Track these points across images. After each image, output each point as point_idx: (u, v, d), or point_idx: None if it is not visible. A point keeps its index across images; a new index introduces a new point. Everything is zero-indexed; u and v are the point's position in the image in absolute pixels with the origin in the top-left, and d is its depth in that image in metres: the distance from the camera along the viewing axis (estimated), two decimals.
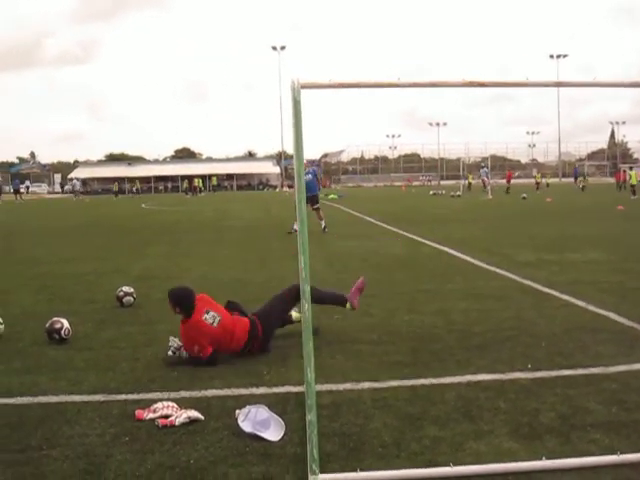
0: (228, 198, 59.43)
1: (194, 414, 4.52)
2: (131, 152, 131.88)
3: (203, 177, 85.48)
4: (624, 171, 56.20)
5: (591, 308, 7.69)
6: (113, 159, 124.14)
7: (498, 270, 10.76)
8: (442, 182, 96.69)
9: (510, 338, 6.46)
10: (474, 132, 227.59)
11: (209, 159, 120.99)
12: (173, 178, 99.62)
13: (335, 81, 3.56)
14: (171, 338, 6.02)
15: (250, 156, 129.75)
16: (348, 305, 6.74)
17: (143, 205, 45.70)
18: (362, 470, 3.67)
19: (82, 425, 4.50)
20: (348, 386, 5.19)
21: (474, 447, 3.99)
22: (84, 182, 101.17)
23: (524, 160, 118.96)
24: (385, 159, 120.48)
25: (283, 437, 4.19)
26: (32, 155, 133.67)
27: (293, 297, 6.33)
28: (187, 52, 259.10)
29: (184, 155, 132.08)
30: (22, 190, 69.77)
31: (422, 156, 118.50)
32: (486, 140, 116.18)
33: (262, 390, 5.15)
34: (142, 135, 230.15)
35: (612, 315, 7.30)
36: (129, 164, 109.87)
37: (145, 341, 6.65)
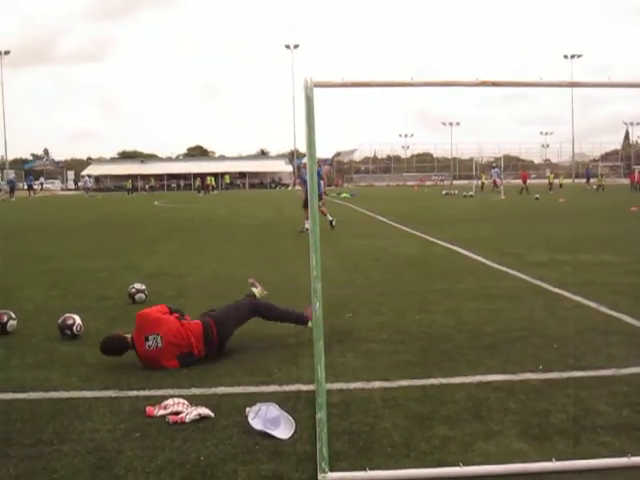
0: (240, 196, 59.52)
1: (204, 411, 4.54)
2: (144, 150, 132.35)
3: (216, 175, 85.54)
4: (639, 172, 55.89)
5: (603, 310, 7.66)
6: (126, 156, 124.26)
7: (510, 270, 10.73)
8: (455, 182, 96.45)
9: (521, 339, 6.44)
10: (487, 132, 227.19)
11: (222, 157, 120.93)
12: (186, 176, 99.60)
13: (348, 80, 3.57)
14: None
15: (263, 154, 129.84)
16: (310, 323, 6.60)
17: (156, 203, 45.82)
18: (371, 469, 3.67)
19: (93, 420, 4.52)
20: (358, 385, 5.19)
21: (484, 447, 3.98)
22: (97, 179, 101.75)
23: (537, 160, 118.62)
24: (398, 158, 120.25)
25: (293, 435, 4.20)
26: (46, 152, 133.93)
27: (248, 312, 6.32)
28: (201, 50, 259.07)
29: (197, 153, 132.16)
30: (35, 187, 70.22)
31: (435, 156, 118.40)
32: (499, 140, 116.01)
33: (272, 388, 5.16)
34: (155, 133, 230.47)
35: (624, 317, 7.27)
36: (142, 162, 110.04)
37: None
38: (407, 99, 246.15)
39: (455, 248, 13.99)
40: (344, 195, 49.45)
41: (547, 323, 7.10)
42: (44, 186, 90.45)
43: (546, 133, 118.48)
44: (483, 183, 59.47)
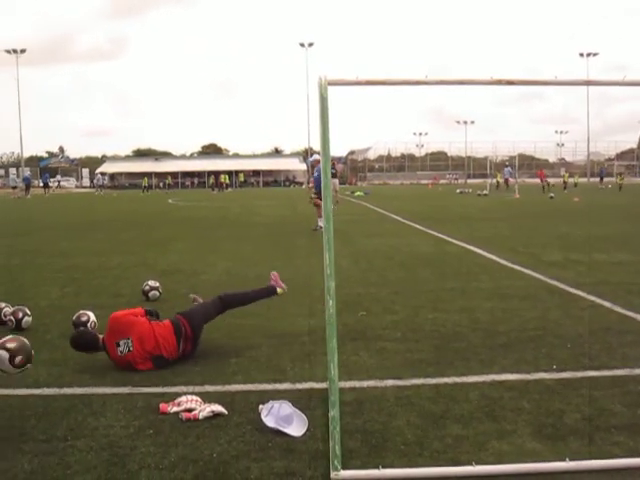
0: (254, 194, 59.60)
1: (218, 408, 4.55)
2: (158, 148, 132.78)
3: (230, 173, 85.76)
4: None
5: (618, 309, 7.62)
6: (140, 154, 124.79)
7: (524, 270, 10.69)
8: (469, 181, 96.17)
9: (535, 338, 6.42)
10: (502, 131, 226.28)
11: (236, 155, 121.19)
12: (200, 174, 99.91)
13: (362, 78, 3.56)
14: None
15: (276, 153, 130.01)
16: (279, 290, 6.65)
17: (170, 200, 45.95)
18: (384, 467, 3.67)
19: (107, 417, 4.55)
20: (371, 383, 5.19)
21: (497, 447, 3.97)
22: (112, 177, 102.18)
23: (552, 159, 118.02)
24: (412, 157, 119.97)
25: (306, 433, 4.21)
26: (61, 150, 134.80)
27: (215, 305, 6.29)
28: (215, 48, 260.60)
29: (211, 151, 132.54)
30: (51, 184, 70.67)
31: (449, 154, 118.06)
32: (514, 139, 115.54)
33: (285, 386, 5.17)
34: (169, 131, 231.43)
35: (639, 317, 7.23)
36: (156, 159, 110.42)
37: None
38: (421, 97, 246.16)
39: (469, 247, 13.96)
40: (358, 194, 49.36)
41: (561, 323, 7.07)
42: (61, 184, 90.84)
43: (561, 132, 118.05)
44: (498, 182, 59.12)
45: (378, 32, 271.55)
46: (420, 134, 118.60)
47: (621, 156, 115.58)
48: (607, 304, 7.90)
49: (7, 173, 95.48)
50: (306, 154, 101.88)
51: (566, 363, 5.60)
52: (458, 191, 54.26)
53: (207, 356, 5.95)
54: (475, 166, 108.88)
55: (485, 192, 47.43)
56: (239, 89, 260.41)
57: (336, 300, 3.71)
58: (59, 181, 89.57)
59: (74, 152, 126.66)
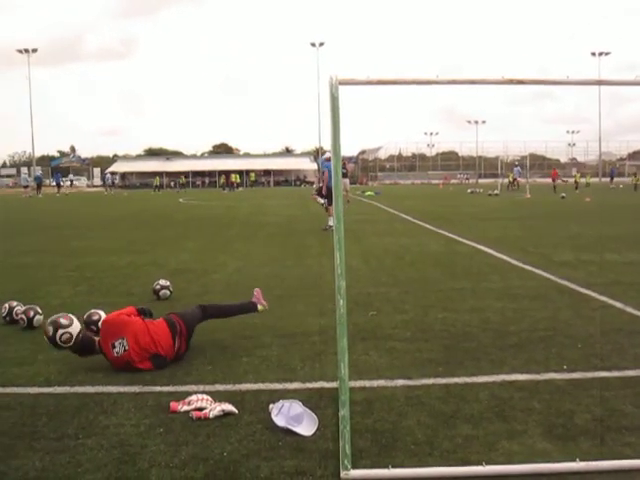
0: (265, 194, 59.65)
1: (228, 407, 4.56)
2: (169, 147, 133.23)
3: (240, 173, 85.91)
4: None
5: (629, 310, 7.58)
6: (152, 154, 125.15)
7: (535, 270, 10.66)
8: (480, 180, 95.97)
9: (545, 338, 6.40)
10: (513, 130, 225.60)
11: (246, 155, 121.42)
12: (211, 173, 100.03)
13: (373, 78, 3.56)
14: None
15: (287, 152, 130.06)
16: (260, 307, 6.56)
17: (180, 200, 46.05)
18: (394, 467, 3.67)
19: (118, 415, 4.57)
20: (381, 383, 5.19)
21: (507, 447, 3.96)
22: (123, 176, 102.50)
23: (563, 159, 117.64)
24: (423, 157, 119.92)
25: (316, 432, 4.21)
26: (72, 149, 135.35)
27: (199, 314, 6.22)
28: (226, 48, 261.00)
29: (222, 151, 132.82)
30: (64, 184, 70.98)
31: (460, 154, 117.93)
32: (525, 139, 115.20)
33: (296, 385, 5.17)
34: (180, 130, 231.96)
35: None
36: (167, 159, 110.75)
37: None
38: (432, 97, 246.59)
39: (480, 247, 13.92)
40: (368, 193, 49.35)
41: (572, 323, 7.04)
42: (73, 183, 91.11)
43: (572, 132, 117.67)
44: (510, 182, 58.95)
45: (389, 32, 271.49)
46: (431, 134, 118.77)
47: (633, 156, 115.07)
48: (619, 305, 7.86)
49: (19, 172, 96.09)
50: (317, 154, 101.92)
51: (577, 363, 5.58)
52: (469, 191, 54.14)
53: (218, 355, 5.97)
54: (486, 166, 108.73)
55: (496, 192, 47.29)
56: (250, 89, 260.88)
57: (346, 299, 3.71)
58: (72, 180, 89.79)
59: (85, 152, 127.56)
